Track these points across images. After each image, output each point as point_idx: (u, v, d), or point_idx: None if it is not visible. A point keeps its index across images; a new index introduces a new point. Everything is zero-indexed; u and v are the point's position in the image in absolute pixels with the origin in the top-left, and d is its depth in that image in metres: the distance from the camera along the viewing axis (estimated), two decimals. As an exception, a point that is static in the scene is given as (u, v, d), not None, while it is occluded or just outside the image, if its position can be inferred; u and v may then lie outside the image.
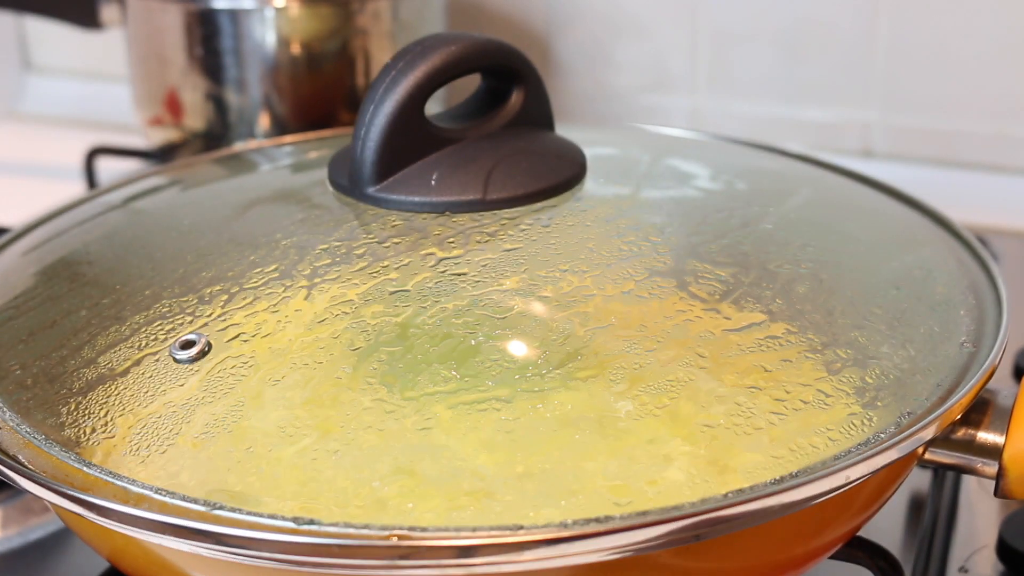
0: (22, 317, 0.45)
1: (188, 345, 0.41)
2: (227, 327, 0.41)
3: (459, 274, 0.42)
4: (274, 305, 0.42)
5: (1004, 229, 0.80)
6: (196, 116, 0.81)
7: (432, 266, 0.43)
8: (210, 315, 0.42)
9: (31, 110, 1.07)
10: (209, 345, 0.41)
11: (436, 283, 0.42)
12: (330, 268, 0.43)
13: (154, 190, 0.55)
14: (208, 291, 0.43)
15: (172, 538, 0.35)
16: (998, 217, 0.81)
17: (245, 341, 0.41)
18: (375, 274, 0.42)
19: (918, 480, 0.55)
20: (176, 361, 0.40)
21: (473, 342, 0.40)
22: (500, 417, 0.37)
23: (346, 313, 0.41)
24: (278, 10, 0.77)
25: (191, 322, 0.42)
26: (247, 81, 0.79)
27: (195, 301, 0.43)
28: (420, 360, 0.39)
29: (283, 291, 0.42)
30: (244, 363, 0.40)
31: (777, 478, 0.37)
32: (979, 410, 0.42)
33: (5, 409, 0.41)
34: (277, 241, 0.45)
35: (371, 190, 0.46)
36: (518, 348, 0.40)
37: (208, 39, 0.78)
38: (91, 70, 1.06)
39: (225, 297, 0.42)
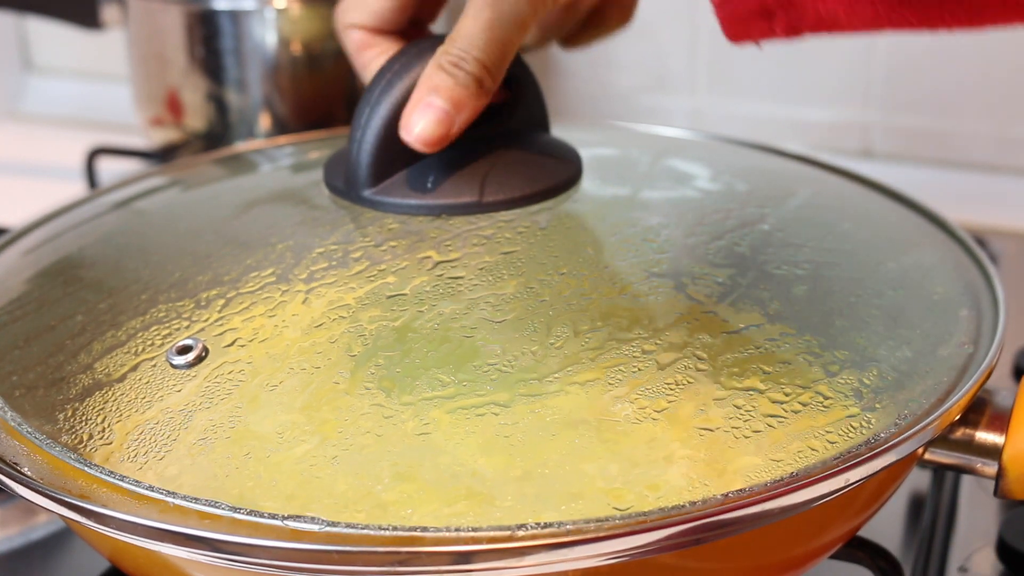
0: (19, 321, 0.45)
1: (185, 350, 0.41)
2: (224, 332, 0.41)
3: (456, 277, 0.42)
4: (271, 310, 0.42)
5: (1003, 229, 0.80)
6: (197, 116, 0.81)
7: (429, 269, 0.43)
8: (207, 320, 0.42)
9: (32, 110, 1.07)
10: (206, 350, 0.41)
11: (433, 286, 0.42)
12: (327, 272, 0.43)
13: (154, 190, 0.55)
14: (205, 295, 0.43)
15: (170, 545, 0.35)
16: (997, 217, 0.81)
17: (242, 346, 0.40)
18: (372, 278, 0.42)
19: (918, 480, 0.55)
20: (173, 367, 0.40)
21: (471, 346, 0.40)
22: (499, 421, 0.37)
23: (343, 317, 0.41)
24: (279, 11, 0.77)
25: (188, 327, 0.42)
26: (247, 81, 0.79)
27: (192, 306, 0.42)
28: (418, 364, 0.39)
29: (280, 295, 0.42)
30: (241, 368, 0.40)
31: (776, 480, 0.37)
32: (978, 410, 0.42)
33: (6, 409, 0.41)
34: (273, 244, 0.45)
35: (367, 193, 0.46)
36: (516, 352, 0.39)
37: (209, 40, 0.78)
38: (91, 70, 1.06)
39: (222, 302, 0.42)
